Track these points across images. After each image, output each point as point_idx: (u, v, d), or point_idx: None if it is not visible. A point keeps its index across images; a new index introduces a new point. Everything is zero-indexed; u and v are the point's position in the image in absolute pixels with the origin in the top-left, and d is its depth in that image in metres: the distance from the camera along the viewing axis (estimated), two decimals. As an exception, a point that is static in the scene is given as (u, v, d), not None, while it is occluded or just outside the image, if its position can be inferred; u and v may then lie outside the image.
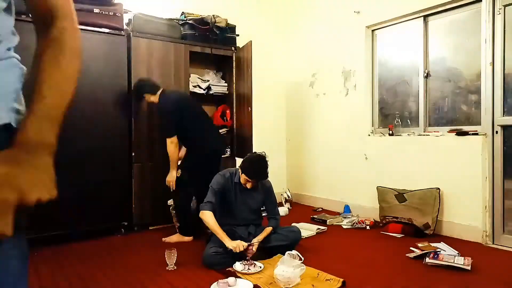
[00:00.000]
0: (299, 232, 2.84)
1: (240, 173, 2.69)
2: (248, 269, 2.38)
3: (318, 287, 2.14)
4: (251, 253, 2.47)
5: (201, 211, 2.63)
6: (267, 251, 2.65)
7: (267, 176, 2.72)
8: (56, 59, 0.67)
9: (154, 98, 3.26)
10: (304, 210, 4.42)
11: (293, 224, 3.55)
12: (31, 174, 0.58)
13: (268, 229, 2.69)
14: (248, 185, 2.67)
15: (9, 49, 0.68)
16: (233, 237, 2.58)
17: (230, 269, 2.40)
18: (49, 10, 0.69)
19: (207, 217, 2.58)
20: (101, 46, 3.27)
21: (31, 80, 0.65)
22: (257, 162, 2.65)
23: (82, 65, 2.81)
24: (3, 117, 0.63)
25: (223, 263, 2.45)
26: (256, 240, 2.55)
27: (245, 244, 2.45)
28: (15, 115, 0.66)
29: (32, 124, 0.61)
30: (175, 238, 3.18)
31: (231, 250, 2.42)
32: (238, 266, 2.41)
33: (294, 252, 2.49)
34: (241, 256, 2.46)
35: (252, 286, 2.17)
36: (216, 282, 2.15)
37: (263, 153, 2.72)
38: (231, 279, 2.16)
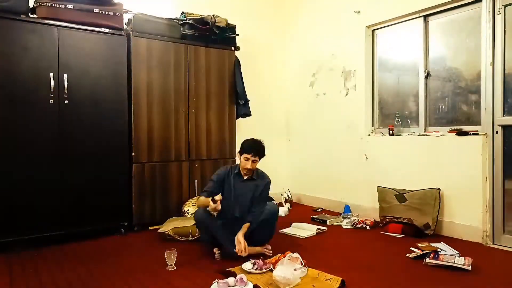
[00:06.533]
0: (274, 206, 2.83)
1: (240, 157, 2.82)
2: (256, 268, 2.36)
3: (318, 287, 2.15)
4: (242, 251, 2.52)
5: (199, 196, 2.86)
6: (248, 236, 2.67)
7: (264, 153, 2.83)
8: None
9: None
10: (304, 210, 4.42)
11: (293, 223, 3.56)
12: None
13: (247, 225, 2.68)
14: (249, 165, 2.74)
15: None
16: (232, 231, 2.66)
17: (230, 269, 2.39)
18: None
19: (201, 199, 2.74)
20: (100, 46, 3.27)
21: None
22: (254, 140, 2.82)
23: (83, 65, 2.86)
24: None
25: (211, 223, 2.64)
26: (240, 237, 2.59)
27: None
28: None
29: None
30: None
31: (230, 251, 2.56)
32: (247, 265, 2.40)
33: (295, 254, 2.47)
34: (234, 255, 2.54)
35: (252, 286, 2.17)
36: (216, 283, 2.15)
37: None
38: (230, 280, 2.16)
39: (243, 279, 2.14)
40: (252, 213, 2.75)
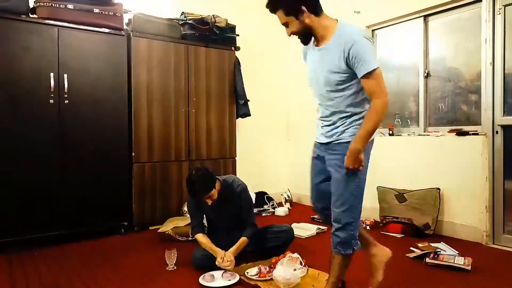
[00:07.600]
0: (291, 230, 2.78)
1: None
2: (257, 275, 2.30)
3: None
4: (228, 265, 2.34)
5: (194, 236, 2.62)
6: (260, 253, 2.62)
7: (206, 190, 2.40)
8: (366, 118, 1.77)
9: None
10: (304, 210, 4.42)
11: (293, 223, 3.55)
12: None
13: (243, 240, 2.50)
14: (209, 202, 2.46)
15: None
16: (227, 240, 2.53)
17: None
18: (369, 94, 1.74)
19: (200, 239, 2.55)
20: (101, 46, 3.27)
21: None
22: (190, 180, 2.42)
23: (83, 65, 2.89)
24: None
25: (211, 266, 2.37)
26: (230, 254, 2.39)
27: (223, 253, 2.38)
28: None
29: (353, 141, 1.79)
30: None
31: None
32: (253, 270, 2.34)
33: (295, 255, 2.47)
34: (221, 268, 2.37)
35: (238, 277, 2.23)
36: (202, 276, 2.26)
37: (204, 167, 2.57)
38: (217, 272, 2.28)
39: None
40: (248, 227, 2.57)
